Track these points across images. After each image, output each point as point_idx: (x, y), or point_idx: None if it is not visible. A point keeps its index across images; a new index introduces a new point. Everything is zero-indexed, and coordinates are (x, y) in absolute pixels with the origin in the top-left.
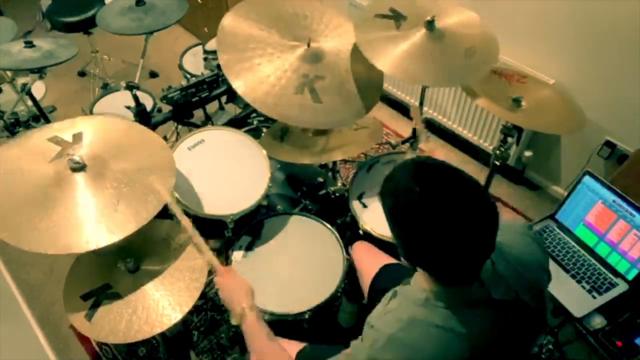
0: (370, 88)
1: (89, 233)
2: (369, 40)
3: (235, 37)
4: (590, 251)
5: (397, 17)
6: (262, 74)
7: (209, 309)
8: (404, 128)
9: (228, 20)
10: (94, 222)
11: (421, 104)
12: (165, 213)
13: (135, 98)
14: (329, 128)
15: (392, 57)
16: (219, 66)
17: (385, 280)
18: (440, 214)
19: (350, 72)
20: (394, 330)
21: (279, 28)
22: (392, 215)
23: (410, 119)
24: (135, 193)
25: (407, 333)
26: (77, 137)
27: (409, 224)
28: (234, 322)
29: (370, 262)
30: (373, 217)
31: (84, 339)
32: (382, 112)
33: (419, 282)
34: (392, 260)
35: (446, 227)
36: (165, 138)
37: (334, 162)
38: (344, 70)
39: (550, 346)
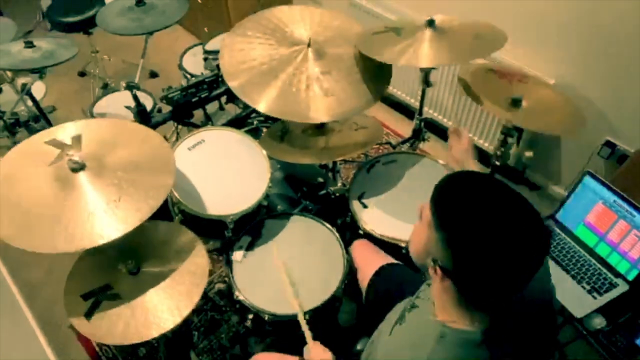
0: (380, 70)
1: (100, 227)
2: (378, 50)
3: (239, 59)
4: (591, 251)
5: (394, 30)
6: (275, 86)
7: (209, 309)
8: (404, 128)
9: (227, 42)
10: (104, 216)
11: (421, 104)
12: (166, 214)
13: (135, 98)
14: (347, 118)
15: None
16: (218, 66)
17: (384, 281)
18: (489, 223)
19: (355, 60)
20: None
21: (276, 37)
22: (438, 214)
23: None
24: (137, 185)
25: None
26: (77, 140)
27: (456, 227)
28: None
29: (368, 261)
30: (373, 218)
31: (84, 339)
32: (382, 112)
33: (434, 311)
34: (388, 260)
35: (491, 237)
36: (165, 138)
37: (334, 162)
38: (348, 60)
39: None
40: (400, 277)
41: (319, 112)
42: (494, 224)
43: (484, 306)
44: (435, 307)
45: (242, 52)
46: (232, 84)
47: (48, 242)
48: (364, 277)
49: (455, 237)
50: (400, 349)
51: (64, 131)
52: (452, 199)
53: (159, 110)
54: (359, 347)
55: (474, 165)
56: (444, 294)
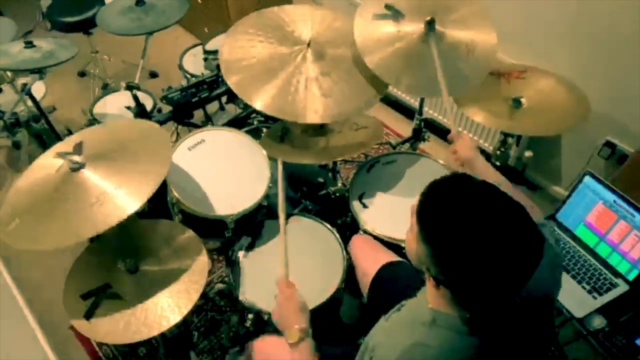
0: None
1: (107, 212)
2: (374, 58)
3: (239, 57)
4: (591, 251)
5: (394, 15)
6: (274, 84)
7: (209, 309)
8: (404, 128)
9: (228, 39)
10: (110, 201)
11: (421, 104)
12: (166, 214)
13: (135, 98)
14: (345, 119)
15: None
16: (218, 66)
17: (389, 279)
18: (472, 229)
19: (355, 61)
20: (396, 356)
21: (277, 36)
22: (423, 227)
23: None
24: (137, 170)
25: (409, 355)
26: (78, 147)
27: (439, 238)
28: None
29: (369, 257)
30: (373, 217)
31: (84, 339)
32: (382, 112)
33: (428, 300)
34: (391, 257)
35: (475, 244)
36: None
37: (334, 162)
38: (348, 61)
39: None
40: (404, 275)
41: (317, 112)
42: (480, 234)
43: (479, 308)
44: (428, 298)
45: (242, 50)
46: (231, 80)
47: (60, 235)
48: (365, 273)
49: (440, 250)
50: (393, 332)
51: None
52: (435, 212)
53: (159, 110)
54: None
55: (482, 164)
56: (438, 296)
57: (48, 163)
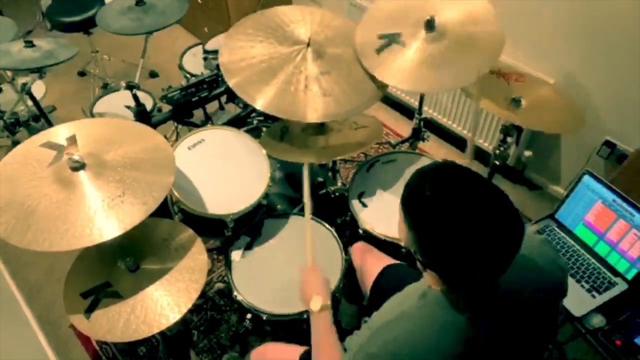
0: None
1: (99, 226)
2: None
3: (239, 57)
4: (590, 250)
5: (393, 39)
6: (274, 84)
7: (209, 309)
8: (404, 128)
9: (227, 40)
10: (103, 215)
11: (421, 104)
12: (166, 213)
13: (135, 98)
14: (345, 118)
15: (412, 73)
16: (218, 66)
17: (388, 281)
18: (452, 217)
19: (355, 61)
20: (381, 323)
21: (276, 37)
22: (408, 215)
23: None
24: (139, 183)
25: (393, 326)
26: (72, 140)
27: (422, 226)
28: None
29: (371, 263)
30: (373, 217)
31: (84, 339)
32: (382, 112)
33: (426, 279)
34: (392, 261)
35: (456, 231)
36: (165, 138)
37: (334, 162)
38: (348, 61)
39: (550, 345)
40: (404, 277)
41: (317, 111)
42: (461, 223)
43: (465, 289)
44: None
45: (242, 50)
46: (231, 81)
47: (56, 240)
48: (366, 278)
49: (424, 238)
50: (392, 307)
51: (60, 133)
52: (417, 201)
53: (159, 110)
54: None
55: None
56: (429, 276)
57: (38, 152)
